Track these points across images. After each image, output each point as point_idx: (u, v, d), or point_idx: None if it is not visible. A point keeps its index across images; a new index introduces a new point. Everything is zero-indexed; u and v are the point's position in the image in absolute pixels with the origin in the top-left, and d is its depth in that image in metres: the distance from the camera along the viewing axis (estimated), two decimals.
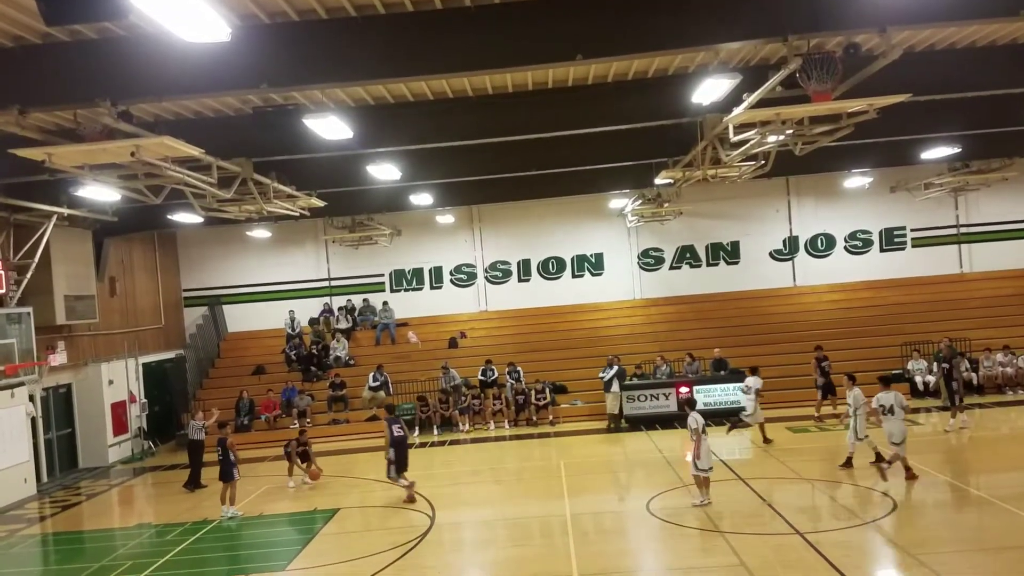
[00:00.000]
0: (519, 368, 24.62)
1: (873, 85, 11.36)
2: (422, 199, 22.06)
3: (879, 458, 15.12)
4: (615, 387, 22.23)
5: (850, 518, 12.80)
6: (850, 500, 13.70)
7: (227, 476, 15.84)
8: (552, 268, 29.29)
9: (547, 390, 24.00)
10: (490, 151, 17.55)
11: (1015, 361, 23.16)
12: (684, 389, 22.12)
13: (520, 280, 29.33)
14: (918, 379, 22.72)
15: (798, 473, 15.77)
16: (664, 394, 22.39)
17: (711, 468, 13.78)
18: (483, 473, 18.74)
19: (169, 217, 20.72)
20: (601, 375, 22.55)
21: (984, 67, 14.09)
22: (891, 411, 14.60)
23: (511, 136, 16.28)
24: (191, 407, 22.78)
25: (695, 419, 13.79)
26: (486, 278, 29.40)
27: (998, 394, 22.74)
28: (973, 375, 23.02)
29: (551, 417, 23.60)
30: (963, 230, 28.43)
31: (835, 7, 10.50)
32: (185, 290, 29.21)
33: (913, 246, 28.56)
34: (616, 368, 22.28)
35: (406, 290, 29.48)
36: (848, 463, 15.52)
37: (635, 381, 23.04)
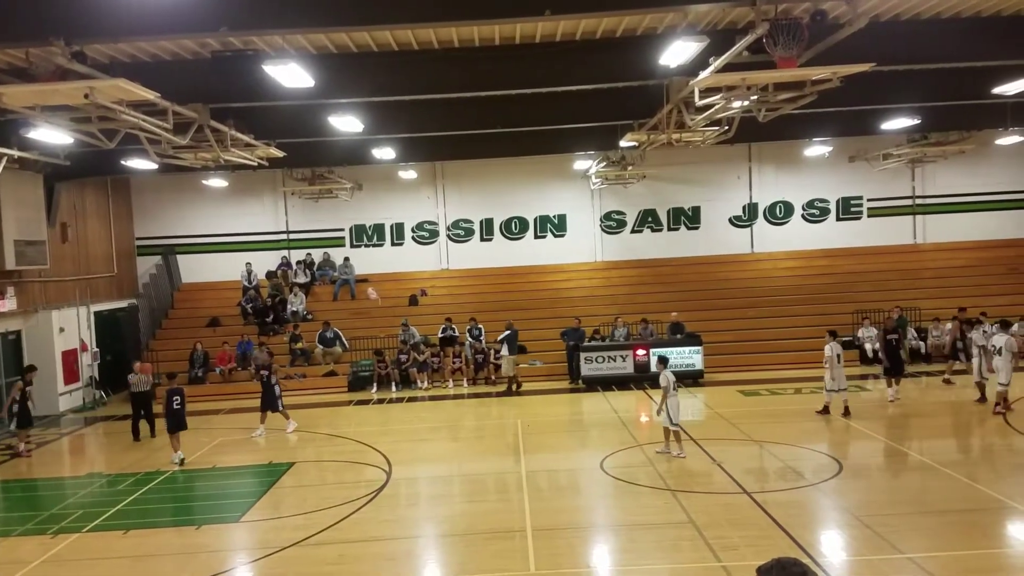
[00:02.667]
0: (480, 325, 24.65)
1: (838, 54, 11.38)
2: (384, 153, 21.72)
3: (847, 411, 16.91)
4: (504, 350, 22.39)
5: (797, 479, 13.11)
6: (797, 462, 14.02)
7: (181, 426, 15.87)
8: (515, 228, 29.21)
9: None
10: (455, 106, 17.35)
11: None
12: (641, 352, 22.44)
13: (482, 239, 29.22)
14: (867, 346, 23.16)
15: (748, 435, 16.10)
16: (621, 356, 22.61)
17: (679, 424, 14.54)
18: (440, 430, 18.83)
19: (123, 163, 20.20)
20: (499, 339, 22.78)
21: (947, 38, 14.16)
22: (999, 352, 16.35)
23: (477, 92, 16.08)
24: (143, 358, 22.46)
25: (666, 377, 14.53)
26: (448, 236, 29.23)
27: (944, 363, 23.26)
28: (921, 344, 23.68)
29: None
30: (918, 201, 28.92)
31: None
32: (138, 238, 28.60)
33: (869, 216, 29.00)
34: (509, 331, 22.43)
35: (367, 246, 29.20)
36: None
37: (593, 343, 23.29)
